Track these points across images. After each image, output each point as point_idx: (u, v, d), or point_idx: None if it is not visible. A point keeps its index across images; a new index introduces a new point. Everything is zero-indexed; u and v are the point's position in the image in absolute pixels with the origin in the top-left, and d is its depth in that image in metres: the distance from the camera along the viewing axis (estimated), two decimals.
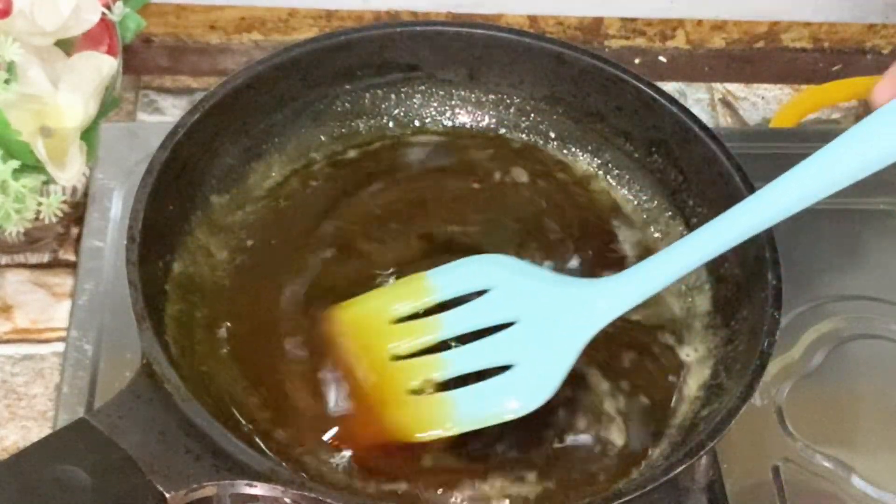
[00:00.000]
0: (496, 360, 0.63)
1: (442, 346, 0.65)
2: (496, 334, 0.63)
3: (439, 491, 0.62)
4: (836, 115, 0.93)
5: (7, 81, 0.66)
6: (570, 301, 0.63)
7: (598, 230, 0.74)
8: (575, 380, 0.67)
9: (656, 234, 0.74)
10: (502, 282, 0.65)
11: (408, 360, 0.64)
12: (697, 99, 0.90)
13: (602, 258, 0.73)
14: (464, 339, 0.65)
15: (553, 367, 0.62)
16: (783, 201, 0.60)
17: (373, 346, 0.65)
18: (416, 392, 0.63)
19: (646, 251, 0.73)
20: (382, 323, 0.65)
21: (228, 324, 0.67)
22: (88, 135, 0.72)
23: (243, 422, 0.63)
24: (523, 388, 0.62)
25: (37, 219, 0.68)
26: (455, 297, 0.65)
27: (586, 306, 0.63)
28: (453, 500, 0.62)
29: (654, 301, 0.68)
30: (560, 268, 0.72)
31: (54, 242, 0.75)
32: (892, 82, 0.62)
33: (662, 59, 0.93)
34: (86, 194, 0.76)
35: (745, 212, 0.61)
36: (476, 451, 0.63)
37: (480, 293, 0.65)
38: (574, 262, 0.72)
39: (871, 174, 0.59)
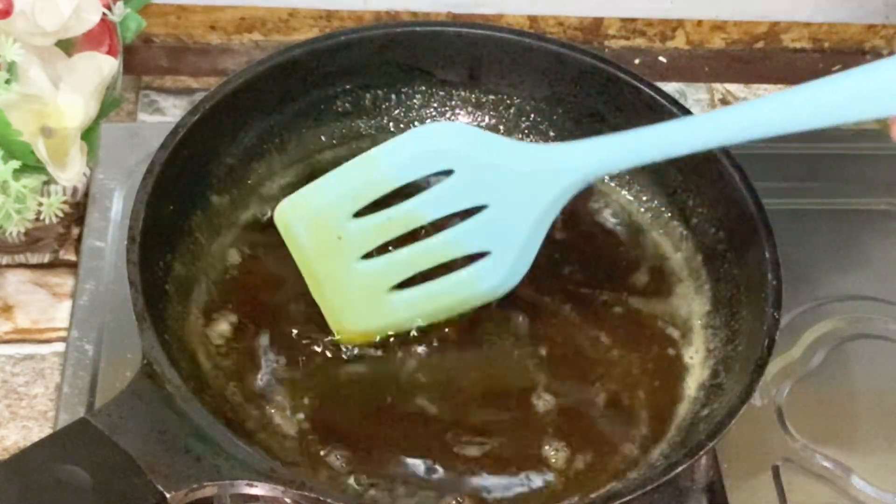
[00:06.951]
0: (470, 248, 0.66)
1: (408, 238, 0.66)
2: (466, 222, 0.65)
3: None
4: None
5: (8, 82, 0.66)
6: (534, 177, 0.64)
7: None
8: (575, 379, 0.67)
9: (655, 234, 0.74)
10: (461, 161, 0.64)
11: (378, 258, 0.66)
12: (697, 99, 0.90)
13: None
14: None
15: (525, 250, 0.65)
16: (761, 116, 0.60)
17: (335, 248, 0.66)
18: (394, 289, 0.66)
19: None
20: (342, 218, 0.66)
21: (229, 324, 0.67)
22: (89, 135, 0.71)
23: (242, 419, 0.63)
24: (498, 273, 0.66)
25: (37, 219, 0.68)
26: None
27: (550, 178, 0.64)
28: None
29: (665, 295, 0.70)
30: None
31: (55, 242, 0.75)
32: None
33: (662, 59, 0.93)
34: (86, 194, 0.76)
35: (727, 116, 0.63)
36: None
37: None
38: None
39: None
